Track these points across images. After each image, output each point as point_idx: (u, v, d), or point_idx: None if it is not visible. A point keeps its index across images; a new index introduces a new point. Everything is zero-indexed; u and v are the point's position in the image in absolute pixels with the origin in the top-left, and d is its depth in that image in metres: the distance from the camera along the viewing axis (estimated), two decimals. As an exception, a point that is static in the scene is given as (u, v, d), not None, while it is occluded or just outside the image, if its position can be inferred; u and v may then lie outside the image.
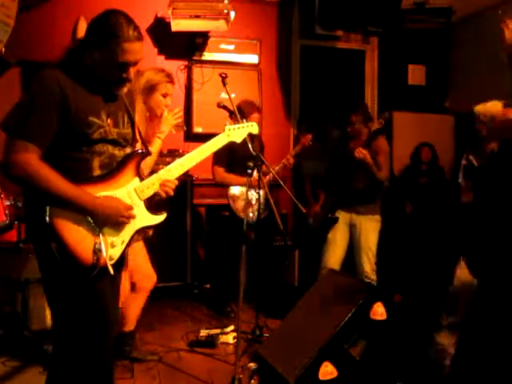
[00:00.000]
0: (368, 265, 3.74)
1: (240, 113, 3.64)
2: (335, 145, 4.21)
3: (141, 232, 2.13)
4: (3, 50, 3.98)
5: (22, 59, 4.38)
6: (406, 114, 5.68)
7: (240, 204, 3.97)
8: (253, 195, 3.74)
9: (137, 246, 2.99)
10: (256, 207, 3.68)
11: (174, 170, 2.07)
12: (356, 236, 3.80)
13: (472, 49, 5.46)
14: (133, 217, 1.91)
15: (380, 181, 3.74)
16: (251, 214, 3.79)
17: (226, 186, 4.04)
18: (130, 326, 3.08)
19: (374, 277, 3.75)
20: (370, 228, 3.77)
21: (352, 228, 3.83)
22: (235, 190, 4.01)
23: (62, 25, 4.59)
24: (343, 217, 3.83)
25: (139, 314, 3.10)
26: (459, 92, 5.72)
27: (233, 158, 3.88)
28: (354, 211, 3.81)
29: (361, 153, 3.59)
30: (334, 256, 3.80)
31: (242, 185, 3.90)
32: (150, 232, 2.98)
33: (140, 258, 3.03)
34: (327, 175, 4.06)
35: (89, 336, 1.85)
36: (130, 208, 1.90)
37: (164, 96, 2.87)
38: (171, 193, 2.04)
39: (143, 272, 3.05)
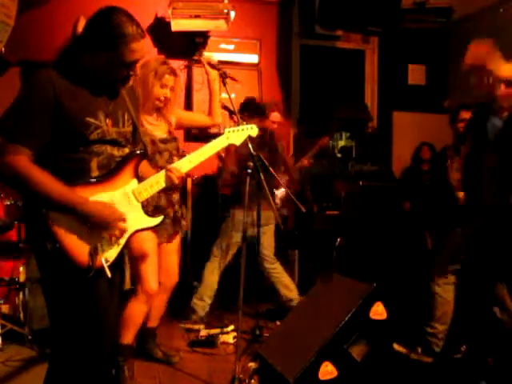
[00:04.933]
0: None
1: (261, 110, 3.80)
2: None
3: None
4: (3, 50, 3.99)
5: (22, 59, 4.38)
6: (406, 113, 5.68)
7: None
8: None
9: (171, 246, 3.04)
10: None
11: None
12: None
13: (472, 49, 5.46)
14: (123, 228, 1.87)
15: None
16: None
17: None
18: (152, 322, 3.14)
19: None
20: None
21: None
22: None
23: (62, 25, 4.59)
24: None
25: (162, 311, 3.17)
26: (459, 92, 5.72)
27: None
28: None
29: None
30: None
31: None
32: (178, 213, 3.02)
33: (171, 259, 3.07)
34: None
35: (85, 337, 1.85)
36: (122, 219, 1.86)
37: (162, 87, 2.85)
38: (175, 180, 2.02)
39: (169, 271, 3.08)
